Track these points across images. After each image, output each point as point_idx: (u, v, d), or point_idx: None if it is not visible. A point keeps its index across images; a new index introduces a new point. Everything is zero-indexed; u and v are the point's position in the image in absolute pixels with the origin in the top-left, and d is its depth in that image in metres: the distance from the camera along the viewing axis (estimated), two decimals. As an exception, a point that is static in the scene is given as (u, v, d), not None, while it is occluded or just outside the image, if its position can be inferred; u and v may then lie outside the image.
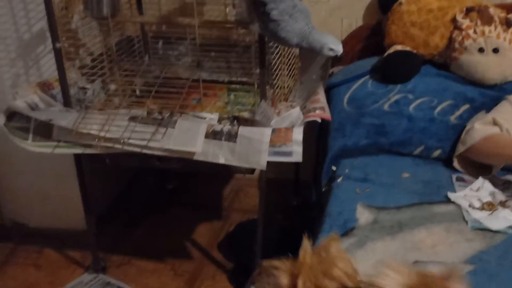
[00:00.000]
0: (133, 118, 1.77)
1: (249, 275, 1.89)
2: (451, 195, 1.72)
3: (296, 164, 2.29)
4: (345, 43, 2.08)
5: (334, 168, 1.97)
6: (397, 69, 1.98)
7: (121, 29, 2.11)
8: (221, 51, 2.00)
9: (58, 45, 1.79)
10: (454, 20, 1.94)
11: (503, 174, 1.83)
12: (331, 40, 1.61)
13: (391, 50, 2.00)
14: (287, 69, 1.99)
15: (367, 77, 2.03)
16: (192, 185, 2.63)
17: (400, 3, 2.03)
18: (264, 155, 1.69)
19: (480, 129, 1.81)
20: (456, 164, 1.88)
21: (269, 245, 1.94)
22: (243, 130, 1.71)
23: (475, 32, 1.90)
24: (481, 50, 1.90)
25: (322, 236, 1.59)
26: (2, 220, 2.43)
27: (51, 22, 1.77)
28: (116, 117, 1.78)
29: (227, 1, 1.97)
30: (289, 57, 2.01)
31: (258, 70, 1.75)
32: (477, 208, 1.66)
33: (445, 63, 2.00)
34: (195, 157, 1.72)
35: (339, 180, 1.86)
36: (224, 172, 2.38)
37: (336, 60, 1.99)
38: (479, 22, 1.89)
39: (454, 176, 1.84)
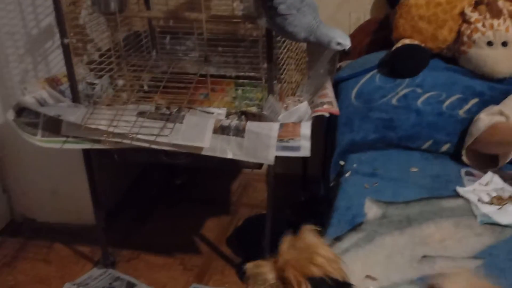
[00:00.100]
0: (141, 114, 1.77)
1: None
2: (460, 190, 1.71)
3: (304, 159, 2.30)
4: (353, 37, 2.08)
5: (342, 163, 1.97)
6: (405, 63, 1.97)
7: (129, 24, 2.11)
8: (229, 46, 2.00)
9: (66, 40, 1.80)
10: (462, 13, 1.93)
11: (512, 168, 1.82)
12: (339, 34, 1.60)
13: (399, 44, 1.99)
14: (295, 63, 1.99)
15: (375, 71, 2.02)
16: (200, 180, 2.63)
17: (408, -3, 2.01)
18: (272, 150, 1.68)
19: (485, 118, 1.81)
20: (464, 158, 1.87)
21: (277, 239, 1.94)
22: (251, 125, 1.71)
23: (483, 25, 1.88)
24: (490, 43, 1.88)
25: (331, 231, 1.59)
26: (13, 215, 2.45)
27: (59, 18, 1.77)
28: (124, 112, 1.78)
29: (234, -4, 1.97)
30: (296, 51, 2.00)
31: (265, 65, 1.75)
32: (486, 203, 1.65)
33: (453, 57, 1.99)
34: (203, 152, 1.72)
35: (347, 175, 1.86)
36: (232, 167, 2.38)
37: (344, 54, 1.98)
38: (488, 15, 1.88)
39: (463, 171, 1.84)
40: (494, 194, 1.69)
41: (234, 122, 1.72)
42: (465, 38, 1.91)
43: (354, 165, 1.90)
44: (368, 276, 1.40)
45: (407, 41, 1.99)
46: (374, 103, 1.97)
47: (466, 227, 1.57)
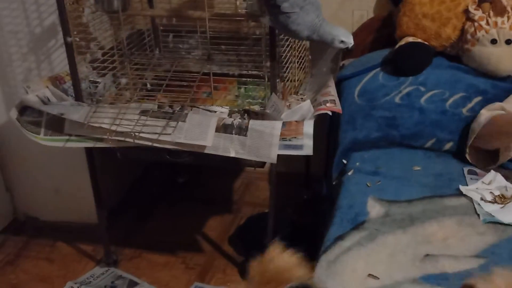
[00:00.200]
0: (144, 112, 1.77)
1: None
2: (462, 188, 1.71)
3: (306, 157, 2.29)
4: (356, 35, 2.07)
5: (345, 161, 1.97)
6: (409, 61, 1.96)
7: (132, 22, 2.11)
8: (232, 44, 2.00)
9: (69, 39, 1.80)
10: (466, 11, 1.92)
11: (516, 167, 1.82)
12: (342, 32, 1.60)
13: (402, 42, 1.99)
14: (298, 62, 1.99)
15: (378, 69, 2.01)
16: (203, 178, 2.63)
17: (412, -5, 2.01)
18: (275, 148, 1.68)
19: (486, 113, 1.81)
20: (468, 155, 1.87)
21: (280, 238, 1.94)
22: (253, 124, 1.71)
23: (487, 23, 1.88)
24: (493, 41, 1.88)
25: (333, 229, 1.59)
26: (15, 214, 2.45)
27: (62, 16, 1.77)
28: (127, 110, 1.78)
29: (237, -6, 1.97)
30: (299, 49, 2.00)
31: (268, 63, 1.75)
32: (489, 201, 1.65)
33: (457, 55, 1.99)
34: (206, 151, 1.72)
35: (350, 173, 1.86)
36: (234, 166, 2.38)
37: (347, 53, 1.98)
38: (491, 13, 1.87)
39: (465, 169, 1.83)
40: (497, 193, 1.68)
41: (237, 120, 1.72)
42: (468, 36, 1.91)
43: (357, 164, 1.90)
44: (370, 275, 1.40)
45: (410, 39, 1.99)
46: (377, 101, 1.97)
47: (469, 225, 1.56)
